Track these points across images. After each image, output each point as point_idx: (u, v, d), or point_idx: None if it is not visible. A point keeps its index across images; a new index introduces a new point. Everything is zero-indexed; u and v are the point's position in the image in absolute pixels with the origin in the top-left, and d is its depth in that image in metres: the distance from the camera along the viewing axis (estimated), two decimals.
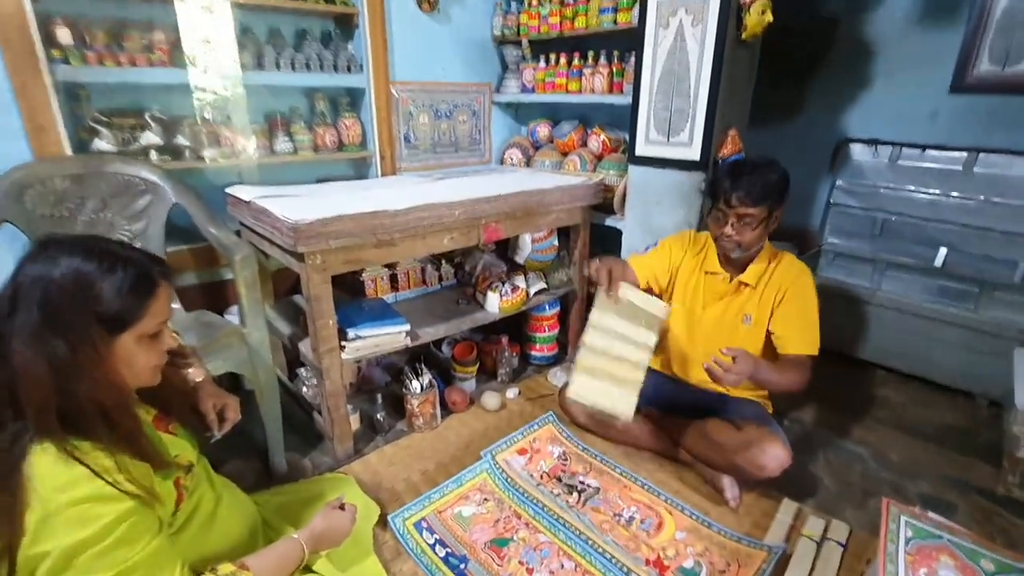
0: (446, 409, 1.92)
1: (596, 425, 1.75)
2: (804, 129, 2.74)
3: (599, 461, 1.65)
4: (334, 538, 1.09)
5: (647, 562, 1.29)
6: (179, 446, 0.98)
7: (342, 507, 1.15)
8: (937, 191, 2.37)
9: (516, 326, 2.24)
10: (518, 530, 1.38)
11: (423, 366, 1.85)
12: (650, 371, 1.74)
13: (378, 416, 1.79)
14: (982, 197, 2.26)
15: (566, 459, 1.65)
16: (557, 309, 2.21)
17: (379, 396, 1.82)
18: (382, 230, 1.50)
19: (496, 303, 1.93)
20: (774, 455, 1.38)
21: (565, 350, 2.32)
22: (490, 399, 1.92)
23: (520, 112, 2.68)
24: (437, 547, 1.32)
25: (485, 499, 1.49)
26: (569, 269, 2.20)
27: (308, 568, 1.05)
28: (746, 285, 1.52)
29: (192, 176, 1.88)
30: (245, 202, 1.62)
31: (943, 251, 2.40)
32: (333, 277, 1.48)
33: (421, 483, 1.56)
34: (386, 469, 1.63)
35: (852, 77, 2.54)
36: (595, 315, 1.39)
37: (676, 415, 1.66)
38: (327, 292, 1.48)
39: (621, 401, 1.35)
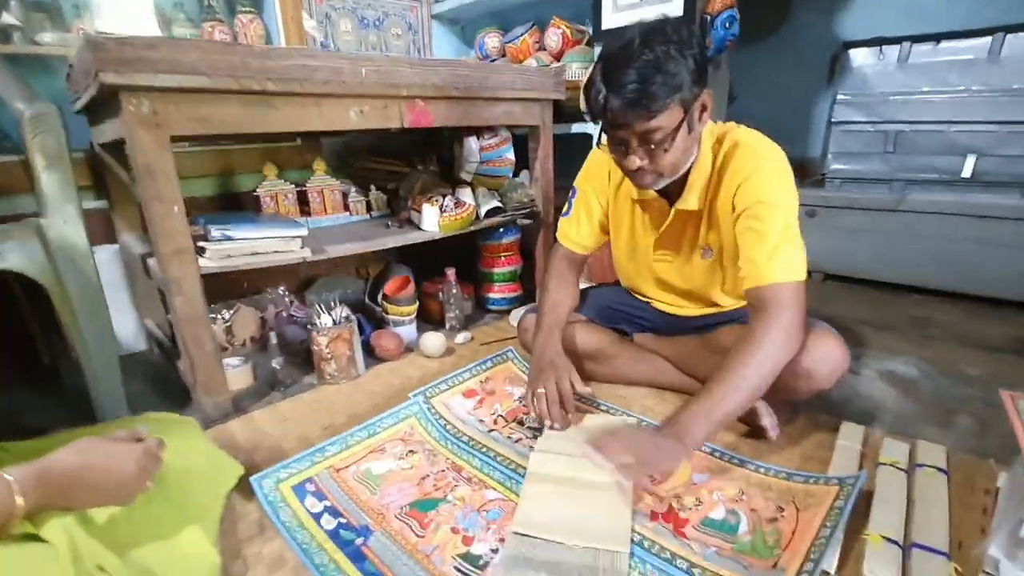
0: (373, 358, 1.45)
1: (575, 362, 1.29)
2: (796, 39, 2.39)
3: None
4: (99, 488, 0.62)
5: (654, 516, 0.82)
6: None
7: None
8: (959, 87, 2.02)
9: (467, 263, 1.79)
10: (455, 487, 0.91)
11: (337, 300, 1.38)
12: (629, 293, 1.32)
13: (274, 363, 1.31)
14: (1015, 86, 1.90)
15: None
16: (516, 236, 1.77)
17: (274, 337, 1.34)
18: (246, 73, 1.05)
19: (434, 218, 1.49)
20: (825, 355, 0.94)
21: (531, 293, 1.87)
22: (431, 341, 1.45)
23: (467, 29, 2.29)
24: (325, 517, 0.84)
25: (410, 451, 1.01)
26: (529, 188, 1.77)
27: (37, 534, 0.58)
28: (688, 212, 1.03)
29: (27, 68, 1.43)
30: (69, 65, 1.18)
31: (971, 158, 2.05)
32: (215, 195, 1.02)
33: (321, 440, 1.08)
34: (275, 428, 1.14)
35: None
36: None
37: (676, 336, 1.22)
38: (167, 164, 1.01)
39: (604, 527, 0.79)
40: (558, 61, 1.87)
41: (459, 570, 0.73)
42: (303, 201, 1.58)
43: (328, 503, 0.87)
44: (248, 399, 1.27)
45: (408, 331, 1.55)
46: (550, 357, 1.08)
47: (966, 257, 1.76)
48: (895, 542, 0.72)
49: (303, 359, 1.44)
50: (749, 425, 1.04)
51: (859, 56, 2.22)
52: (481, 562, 0.75)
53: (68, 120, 1.01)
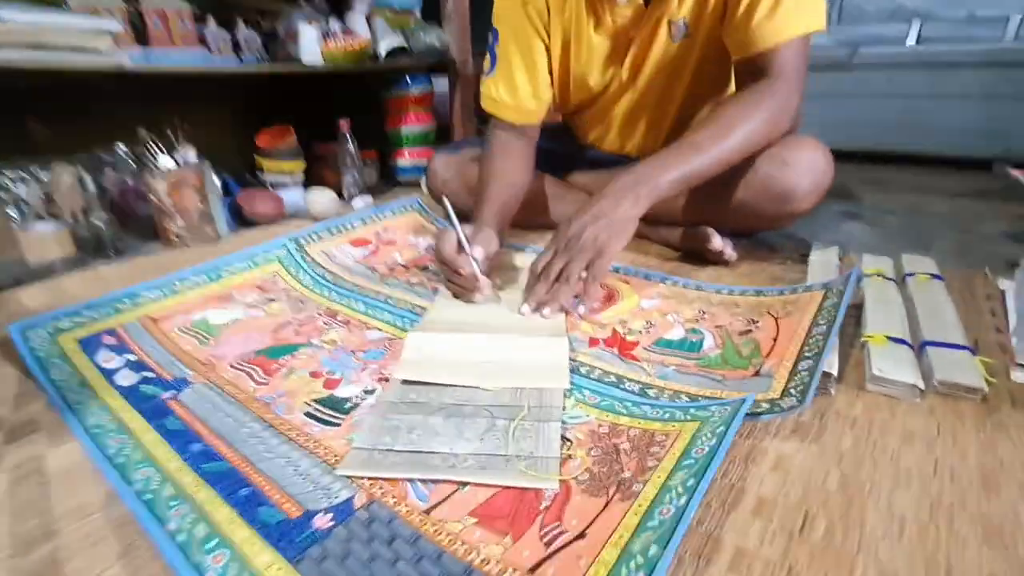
0: (244, 223, 1.15)
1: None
2: None
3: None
4: None
5: (592, 342, 0.61)
6: None
7: None
8: None
9: (371, 127, 1.48)
10: (326, 331, 0.66)
11: (183, 138, 1.05)
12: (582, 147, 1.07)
13: (96, 219, 0.98)
14: None
15: None
16: (428, 88, 1.46)
17: (106, 191, 1.01)
18: None
19: (315, 45, 1.16)
20: (806, 162, 0.75)
21: None
22: (320, 197, 1.16)
23: None
24: (122, 373, 0.57)
25: (270, 299, 0.75)
26: (443, 31, 1.46)
27: None
28: None
29: None
30: None
31: (916, 24, 1.92)
32: None
33: None
34: (90, 291, 0.83)
35: None
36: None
37: None
38: None
39: (532, 363, 0.56)
40: None
41: (313, 416, 0.49)
42: (139, 25, 1.19)
43: (132, 357, 0.60)
44: (62, 268, 0.95)
45: (292, 195, 1.24)
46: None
47: (912, 119, 1.64)
48: (903, 341, 0.55)
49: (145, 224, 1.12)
50: (699, 255, 0.86)
51: None
52: (348, 405, 0.51)
53: None
